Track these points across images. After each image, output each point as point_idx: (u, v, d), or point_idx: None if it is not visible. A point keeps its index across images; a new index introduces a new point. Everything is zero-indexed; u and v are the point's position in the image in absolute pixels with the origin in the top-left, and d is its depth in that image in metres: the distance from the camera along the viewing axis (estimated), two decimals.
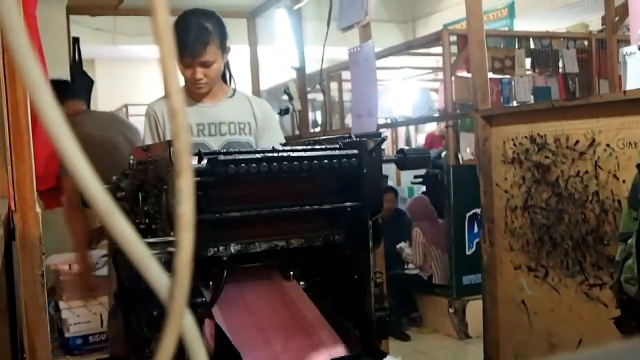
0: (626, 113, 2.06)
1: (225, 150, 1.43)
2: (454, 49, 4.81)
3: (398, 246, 5.02)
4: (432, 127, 8.38)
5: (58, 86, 3.21)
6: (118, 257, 1.51)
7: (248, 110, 2.28)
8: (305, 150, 1.46)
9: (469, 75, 4.31)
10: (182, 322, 0.36)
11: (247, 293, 1.56)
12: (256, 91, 4.99)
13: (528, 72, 5.14)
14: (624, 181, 2.07)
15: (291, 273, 1.61)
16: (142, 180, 1.52)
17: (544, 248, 2.41)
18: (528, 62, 5.11)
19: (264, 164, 1.36)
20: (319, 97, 6.64)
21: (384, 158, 1.58)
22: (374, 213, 1.52)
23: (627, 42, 4.41)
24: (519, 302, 2.55)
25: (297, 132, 4.73)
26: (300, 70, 4.54)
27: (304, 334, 1.49)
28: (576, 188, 2.25)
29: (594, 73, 5.26)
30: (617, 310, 1.82)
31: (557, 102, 2.54)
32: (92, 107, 4.26)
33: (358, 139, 1.53)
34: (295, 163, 1.40)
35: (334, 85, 7.23)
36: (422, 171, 5.52)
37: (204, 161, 1.33)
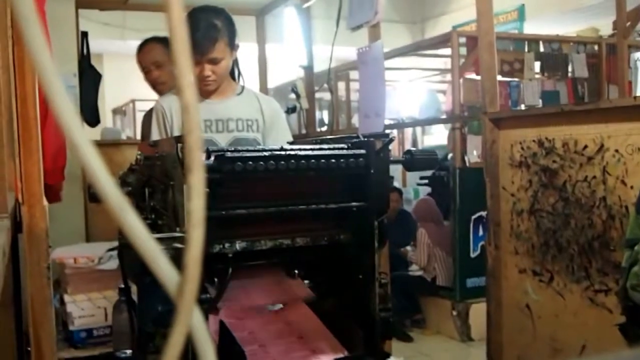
0: (636, 119, 2.05)
1: (232, 148, 1.43)
2: (462, 50, 4.79)
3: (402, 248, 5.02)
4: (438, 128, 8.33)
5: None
6: (124, 252, 1.51)
7: (256, 107, 2.28)
8: (312, 149, 1.46)
9: (477, 77, 4.31)
10: (191, 319, 0.36)
11: (251, 291, 1.56)
12: (264, 89, 4.99)
13: (537, 76, 5.12)
14: (631, 187, 2.06)
15: (296, 271, 1.61)
16: (148, 176, 1.52)
17: (549, 252, 2.40)
18: (537, 65, 5.09)
19: (272, 161, 1.36)
20: (327, 96, 6.64)
21: (391, 159, 1.57)
22: (380, 213, 1.51)
23: (638, 47, 4.40)
24: (523, 306, 2.54)
25: (303, 131, 4.73)
26: (308, 69, 4.54)
27: (305, 339, 1.49)
28: (583, 193, 2.24)
29: (604, 78, 5.23)
30: (622, 317, 1.81)
31: (566, 106, 2.53)
32: (100, 102, 4.25)
33: (366, 139, 1.52)
34: (303, 162, 1.40)
35: (341, 85, 7.22)
36: (428, 173, 5.51)
37: (212, 158, 1.33)
